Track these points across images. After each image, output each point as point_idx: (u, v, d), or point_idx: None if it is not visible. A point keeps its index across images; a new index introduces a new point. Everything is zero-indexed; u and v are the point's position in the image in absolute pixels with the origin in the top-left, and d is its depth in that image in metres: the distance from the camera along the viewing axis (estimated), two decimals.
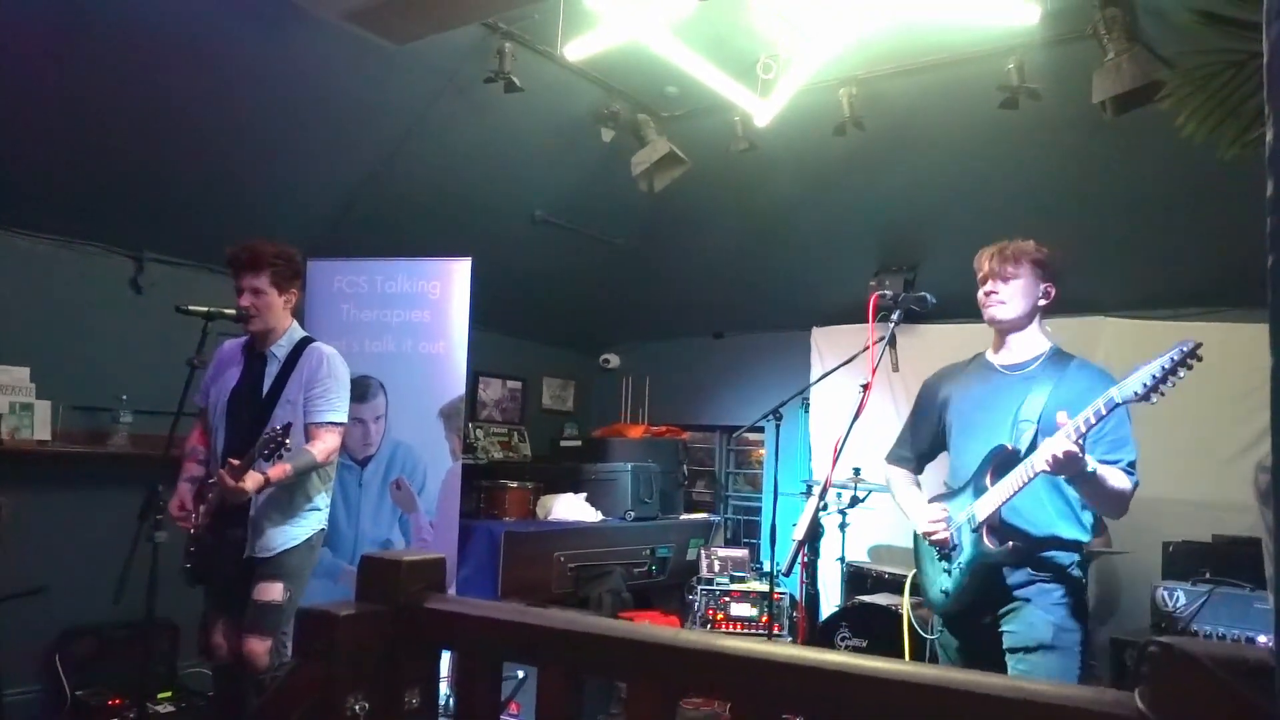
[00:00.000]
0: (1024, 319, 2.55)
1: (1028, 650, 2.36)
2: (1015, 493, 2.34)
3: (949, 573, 2.52)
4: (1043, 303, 2.55)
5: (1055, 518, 2.42)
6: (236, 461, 2.96)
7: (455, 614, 1.31)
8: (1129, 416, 2.39)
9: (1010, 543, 2.37)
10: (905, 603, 3.90)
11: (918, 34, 4.00)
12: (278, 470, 3.03)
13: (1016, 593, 2.42)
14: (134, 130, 4.07)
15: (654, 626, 1.09)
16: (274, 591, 3.07)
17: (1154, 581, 3.86)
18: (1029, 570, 2.41)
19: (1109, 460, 2.33)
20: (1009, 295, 2.51)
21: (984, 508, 2.40)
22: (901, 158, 4.89)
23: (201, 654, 3.33)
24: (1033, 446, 2.37)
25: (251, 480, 2.97)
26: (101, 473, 4.39)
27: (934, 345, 4.98)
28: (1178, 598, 3.55)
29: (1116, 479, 2.31)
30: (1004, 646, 2.42)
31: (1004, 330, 2.57)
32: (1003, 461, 2.40)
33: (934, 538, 2.54)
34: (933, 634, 3.01)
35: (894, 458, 2.85)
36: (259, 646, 3.02)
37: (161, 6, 3.57)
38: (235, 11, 3.69)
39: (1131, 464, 2.37)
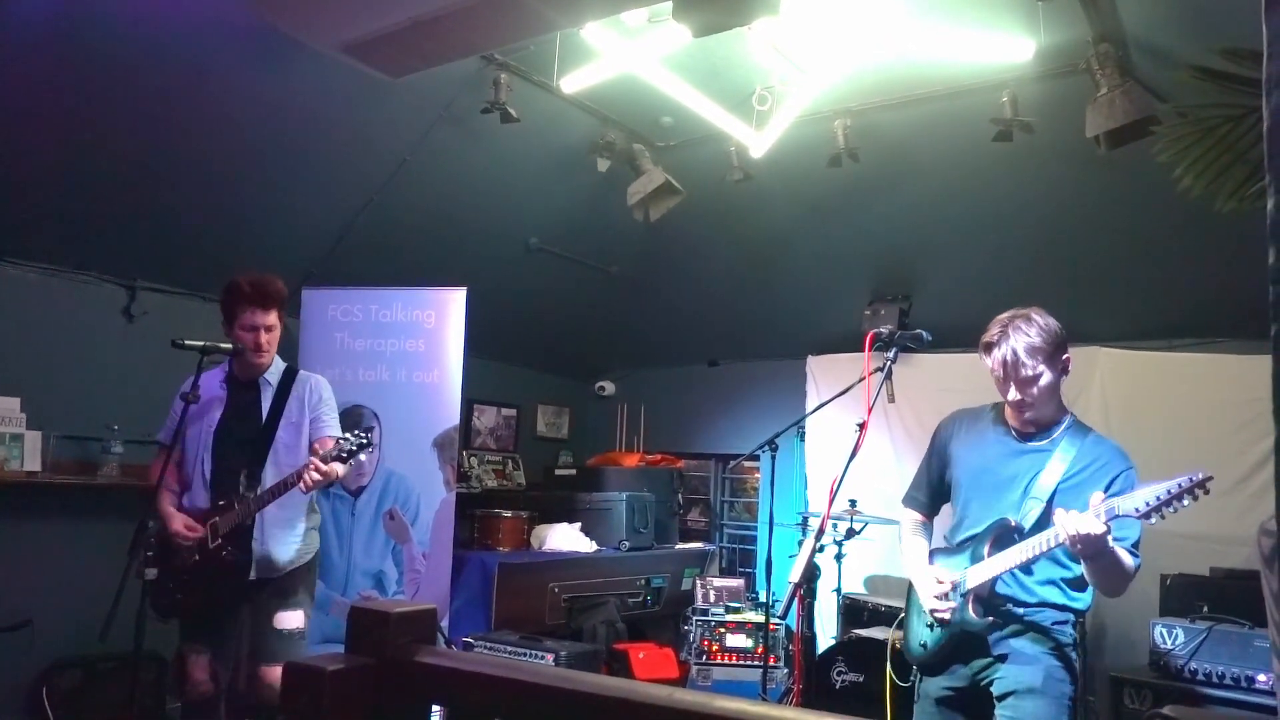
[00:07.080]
0: (1054, 402, 2.44)
1: (1017, 695, 2.32)
2: (1020, 564, 2.33)
3: (931, 628, 2.50)
4: (1064, 377, 2.41)
5: (1049, 589, 2.39)
6: (319, 461, 2.96)
7: (446, 668, 1.28)
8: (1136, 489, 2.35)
9: (991, 617, 2.38)
10: (891, 636, 3.86)
11: (912, 67, 4.02)
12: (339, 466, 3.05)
13: (1005, 643, 2.39)
14: (126, 158, 4.06)
15: (649, 686, 1.07)
16: (295, 619, 3.06)
17: (1151, 615, 3.83)
18: (1020, 623, 2.39)
19: (1116, 539, 2.30)
20: (1042, 398, 2.37)
21: (976, 576, 2.39)
22: (896, 189, 4.91)
23: (178, 691, 3.24)
24: (1037, 524, 2.34)
25: (340, 466, 3.01)
26: (91, 503, 4.35)
27: (930, 376, 4.98)
28: (1176, 636, 3.52)
29: (1125, 559, 2.30)
30: (994, 693, 2.38)
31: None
32: (1003, 534, 2.38)
33: (938, 614, 2.46)
34: (910, 680, 2.95)
35: (909, 500, 2.77)
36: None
37: (156, 36, 3.57)
38: (231, 41, 3.70)
39: (1135, 544, 2.34)
